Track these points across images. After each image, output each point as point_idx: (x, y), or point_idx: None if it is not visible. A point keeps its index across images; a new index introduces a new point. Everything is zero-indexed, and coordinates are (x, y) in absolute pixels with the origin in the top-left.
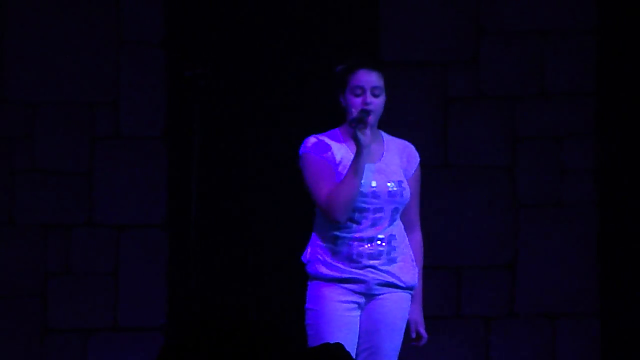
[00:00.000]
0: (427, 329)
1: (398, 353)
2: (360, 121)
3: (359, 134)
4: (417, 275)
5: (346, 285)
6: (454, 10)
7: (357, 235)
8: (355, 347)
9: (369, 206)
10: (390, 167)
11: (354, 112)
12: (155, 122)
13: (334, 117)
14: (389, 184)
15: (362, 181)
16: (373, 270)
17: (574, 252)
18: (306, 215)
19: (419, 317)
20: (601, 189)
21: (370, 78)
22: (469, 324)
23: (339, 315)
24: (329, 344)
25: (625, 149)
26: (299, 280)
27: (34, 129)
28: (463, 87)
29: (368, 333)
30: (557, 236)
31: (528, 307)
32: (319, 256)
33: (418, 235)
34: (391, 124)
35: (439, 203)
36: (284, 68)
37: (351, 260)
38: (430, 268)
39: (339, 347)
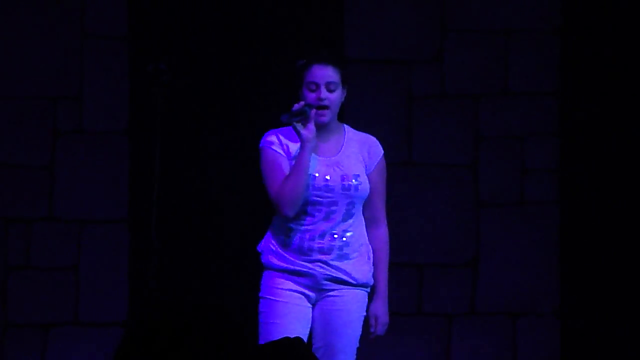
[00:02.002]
0: (390, 325)
1: (355, 349)
2: (299, 114)
3: (300, 128)
4: (371, 273)
5: (295, 278)
6: (418, 9)
7: (309, 228)
8: (307, 336)
9: (322, 199)
10: (348, 160)
11: (313, 111)
12: (118, 116)
13: (286, 111)
14: (343, 178)
15: (316, 175)
16: (322, 265)
17: (536, 251)
18: (269, 210)
19: (379, 312)
20: (563, 188)
21: (324, 73)
22: (431, 322)
23: (289, 304)
24: (288, 337)
25: (587, 149)
26: (260, 276)
27: None
28: (427, 85)
29: (323, 332)
30: (519, 235)
31: (489, 305)
32: (272, 247)
33: (383, 231)
34: (355, 121)
35: (401, 201)
36: (247, 64)
37: (302, 252)
38: (391, 265)
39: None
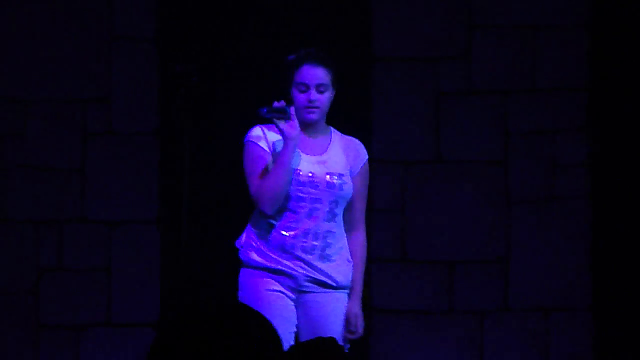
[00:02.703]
0: (422, 322)
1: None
2: (279, 112)
3: (281, 125)
4: (351, 275)
5: (276, 277)
6: (446, 5)
7: (292, 225)
8: (293, 334)
9: (305, 195)
10: (334, 160)
11: (293, 109)
12: (147, 118)
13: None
14: (327, 175)
15: (300, 170)
16: (303, 265)
17: (567, 246)
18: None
19: (358, 311)
20: (594, 183)
21: (315, 74)
22: (463, 319)
23: (273, 305)
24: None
25: (617, 143)
26: (237, 273)
27: (26, 126)
28: (455, 82)
29: (306, 336)
30: (550, 230)
31: (521, 301)
32: (253, 243)
33: (361, 235)
34: (383, 119)
35: (431, 198)
36: (275, 64)
37: (284, 250)
38: (423, 263)
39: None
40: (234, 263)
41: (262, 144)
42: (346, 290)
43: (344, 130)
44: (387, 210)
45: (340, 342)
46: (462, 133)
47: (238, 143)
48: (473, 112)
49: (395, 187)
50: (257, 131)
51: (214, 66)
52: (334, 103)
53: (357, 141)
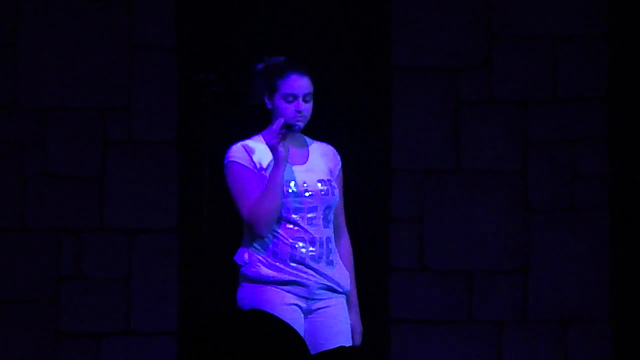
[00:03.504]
0: (441, 332)
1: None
2: (289, 128)
3: (280, 147)
4: (349, 280)
5: (288, 288)
6: (466, 15)
7: (298, 235)
8: None
9: (303, 205)
10: (318, 166)
11: (283, 121)
12: (167, 127)
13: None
14: (319, 183)
15: (295, 182)
16: (314, 273)
17: (587, 257)
18: None
19: (355, 321)
20: (614, 194)
21: (302, 84)
22: (481, 329)
23: (283, 318)
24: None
25: (637, 154)
26: (237, 288)
27: (46, 135)
28: (475, 91)
29: (314, 345)
30: (569, 241)
31: (540, 312)
32: (260, 257)
33: (346, 239)
34: (403, 128)
35: (450, 208)
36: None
37: (294, 261)
38: (442, 273)
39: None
40: None
41: (246, 162)
42: (346, 296)
43: (363, 139)
44: (406, 220)
45: (350, 345)
46: (482, 143)
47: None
48: (493, 122)
49: (415, 196)
50: (238, 149)
51: (234, 75)
52: (355, 112)
53: (330, 146)
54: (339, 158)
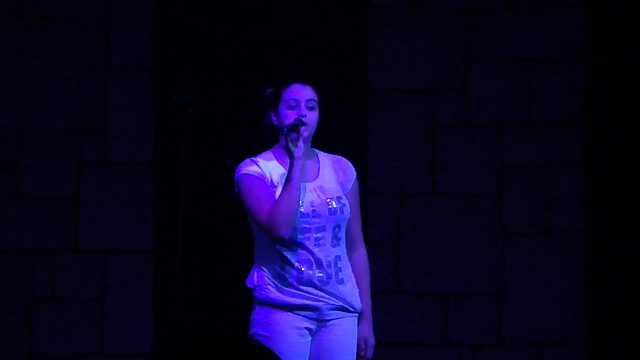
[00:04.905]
0: (416, 355)
1: None
2: (293, 129)
3: (291, 145)
4: (359, 298)
5: (299, 312)
6: (443, 39)
7: (303, 257)
8: None
9: (310, 226)
10: (328, 184)
11: (285, 124)
12: (143, 147)
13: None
14: (328, 201)
15: (301, 201)
16: (324, 295)
17: (561, 280)
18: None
19: (368, 335)
20: (589, 217)
21: (304, 92)
22: (457, 352)
23: (289, 343)
24: None
25: (612, 178)
26: (250, 312)
27: (21, 155)
28: (451, 115)
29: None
30: (544, 264)
31: (516, 335)
32: (268, 280)
33: (362, 253)
34: (380, 151)
35: (426, 230)
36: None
37: (302, 283)
38: (417, 295)
39: None
40: (228, 294)
41: (258, 174)
42: (358, 314)
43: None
44: (382, 242)
45: None
46: (458, 166)
47: (234, 174)
48: (469, 145)
49: (391, 219)
50: (248, 163)
51: (211, 97)
52: (331, 134)
53: (343, 159)
54: (352, 170)
